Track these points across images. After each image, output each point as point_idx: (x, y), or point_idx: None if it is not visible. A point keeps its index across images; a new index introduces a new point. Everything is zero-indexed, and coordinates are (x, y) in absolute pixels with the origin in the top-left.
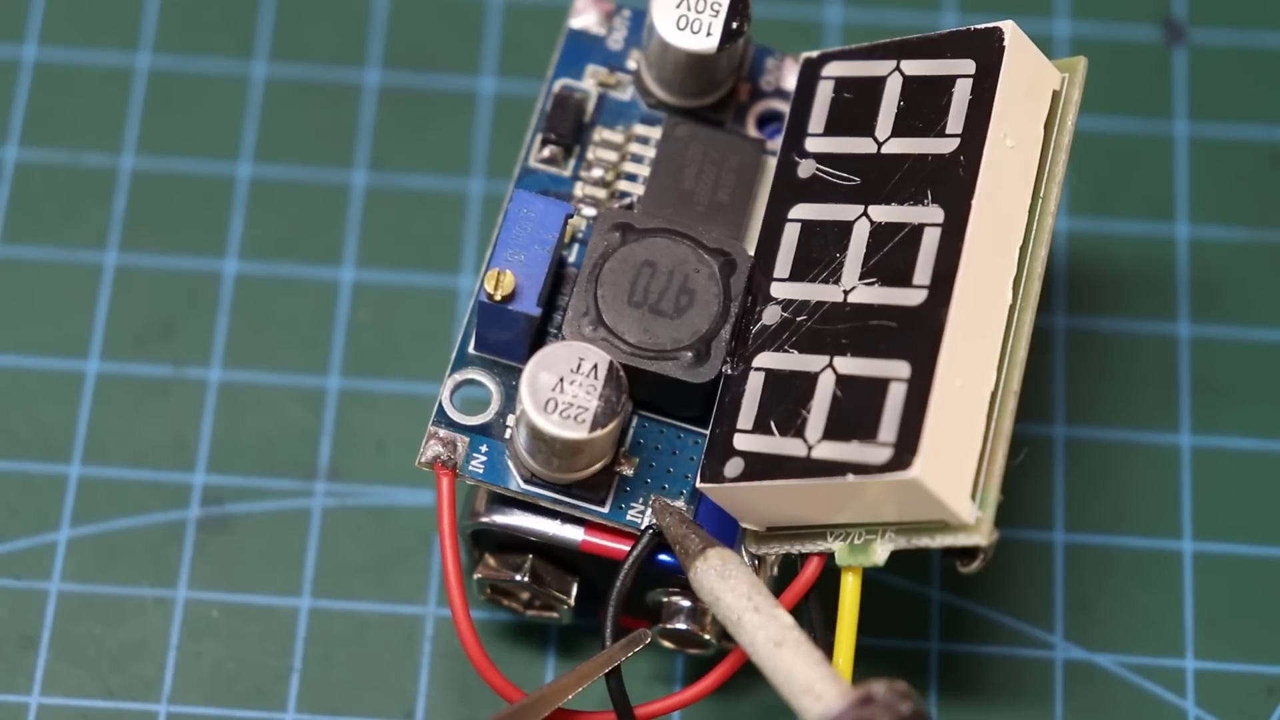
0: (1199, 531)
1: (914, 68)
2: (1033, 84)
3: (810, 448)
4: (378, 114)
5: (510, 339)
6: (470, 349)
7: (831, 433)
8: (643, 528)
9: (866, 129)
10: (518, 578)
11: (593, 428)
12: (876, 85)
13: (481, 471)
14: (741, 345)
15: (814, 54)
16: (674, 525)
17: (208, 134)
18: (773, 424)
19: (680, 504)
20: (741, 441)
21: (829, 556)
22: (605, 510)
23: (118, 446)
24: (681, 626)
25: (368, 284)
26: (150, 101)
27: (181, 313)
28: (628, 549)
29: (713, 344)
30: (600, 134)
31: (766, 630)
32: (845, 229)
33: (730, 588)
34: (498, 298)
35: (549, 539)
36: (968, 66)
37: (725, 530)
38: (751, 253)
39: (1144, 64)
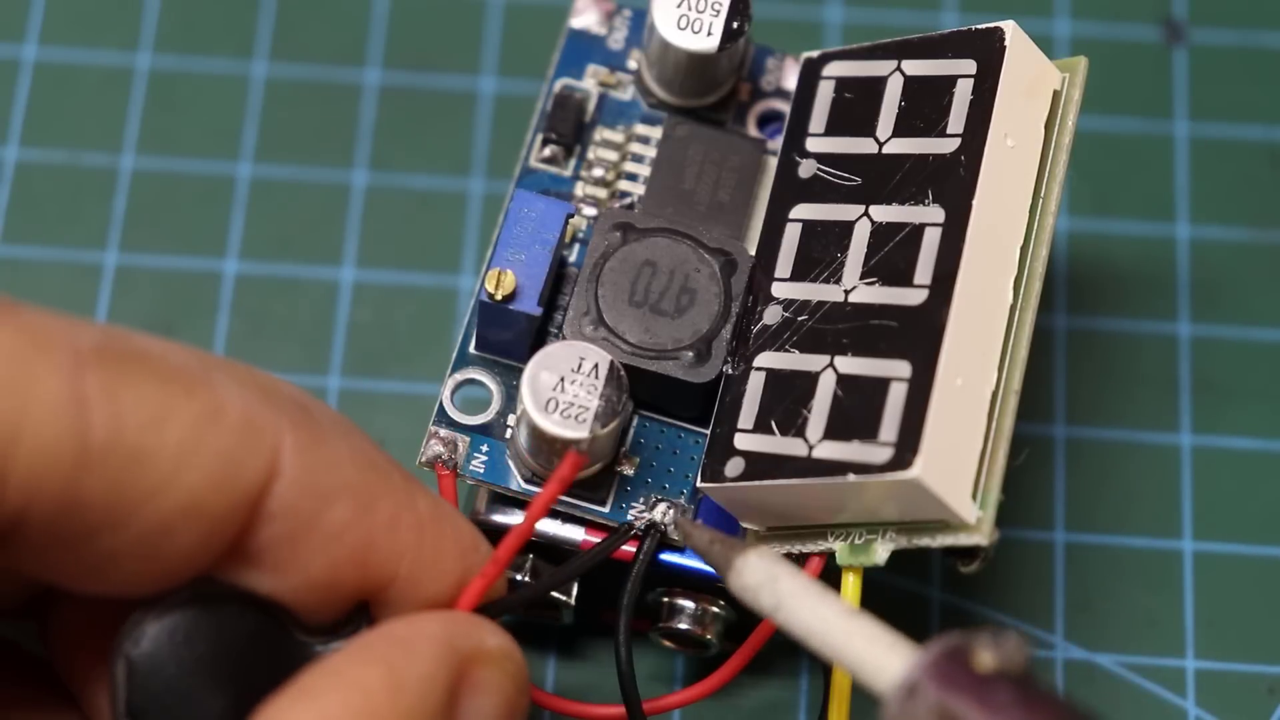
0: (1199, 531)
1: (915, 68)
2: (1033, 84)
3: (811, 447)
4: (378, 114)
5: (511, 339)
6: (471, 349)
7: (832, 432)
8: (643, 527)
9: (867, 129)
10: (518, 578)
11: (593, 427)
12: (877, 85)
13: (482, 471)
14: (742, 345)
15: (814, 54)
16: (702, 532)
17: (208, 134)
18: (773, 423)
19: (688, 514)
20: (742, 441)
21: (829, 556)
22: (605, 510)
23: None
24: (682, 626)
25: (368, 284)
26: (150, 101)
27: (181, 313)
28: (628, 548)
29: (713, 344)
30: (601, 134)
31: (834, 603)
32: (846, 229)
33: (789, 570)
34: (498, 297)
35: (549, 539)
36: (968, 66)
37: (725, 530)
38: (752, 252)
39: (1144, 64)
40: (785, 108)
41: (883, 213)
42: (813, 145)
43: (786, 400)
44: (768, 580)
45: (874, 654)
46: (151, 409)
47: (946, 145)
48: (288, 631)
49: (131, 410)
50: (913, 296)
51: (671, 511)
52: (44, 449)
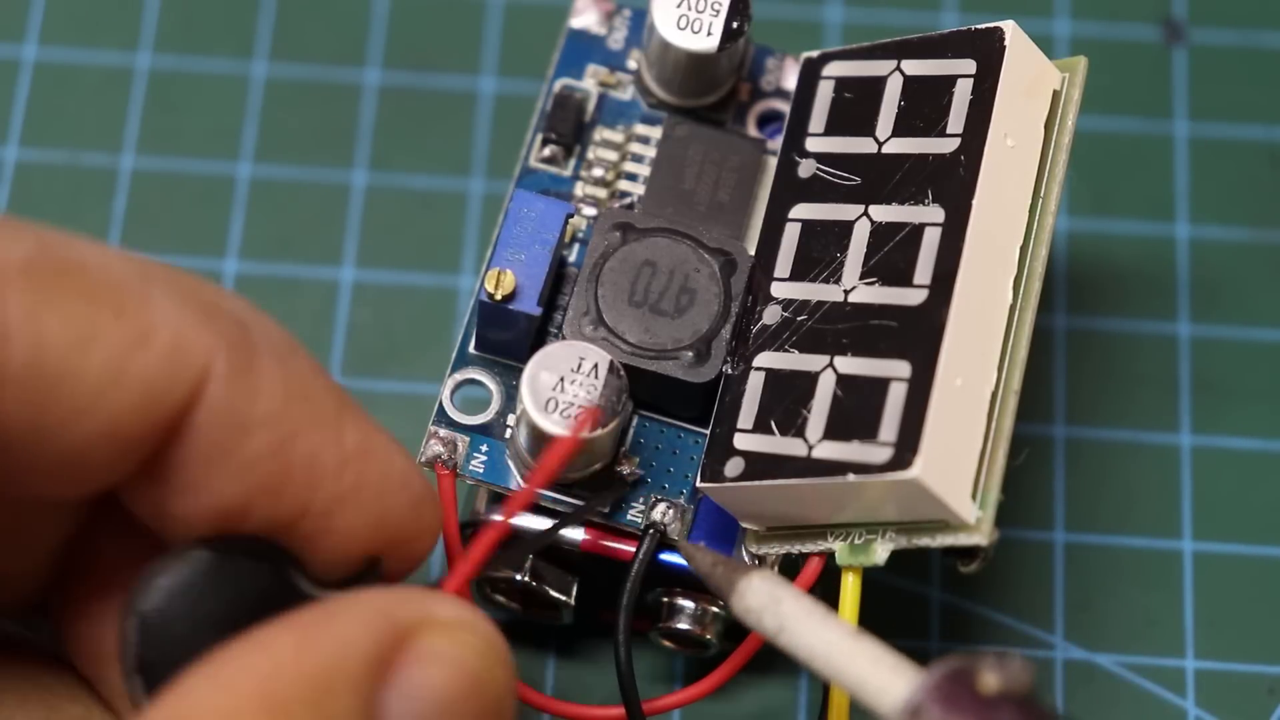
0: (1199, 531)
1: (914, 68)
2: (1033, 84)
3: (811, 447)
4: (378, 114)
5: (510, 339)
6: (470, 349)
7: (832, 432)
8: (643, 526)
9: (867, 129)
10: (518, 578)
11: (593, 428)
12: (877, 85)
13: (482, 471)
14: (742, 345)
15: (814, 54)
16: (705, 555)
17: (208, 134)
18: (773, 423)
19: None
20: (742, 441)
21: (829, 556)
22: (605, 510)
23: None
24: (682, 626)
25: (368, 284)
26: (150, 101)
27: None
28: (628, 548)
29: (713, 343)
30: (600, 134)
31: (838, 626)
32: (846, 229)
33: (793, 592)
34: (498, 297)
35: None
36: (968, 66)
37: (725, 530)
38: (752, 252)
39: (1144, 64)
40: (785, 108)
41: (882, 212)
42: (812, 145)
43: (786, 400)
44: (770, 603)
45: (877, 676)
46: (76, 331)
47: (946, 145)
48: (298, 585)
49: (54, 333)
50: (912, 296)
51: (671, 512)
52: None
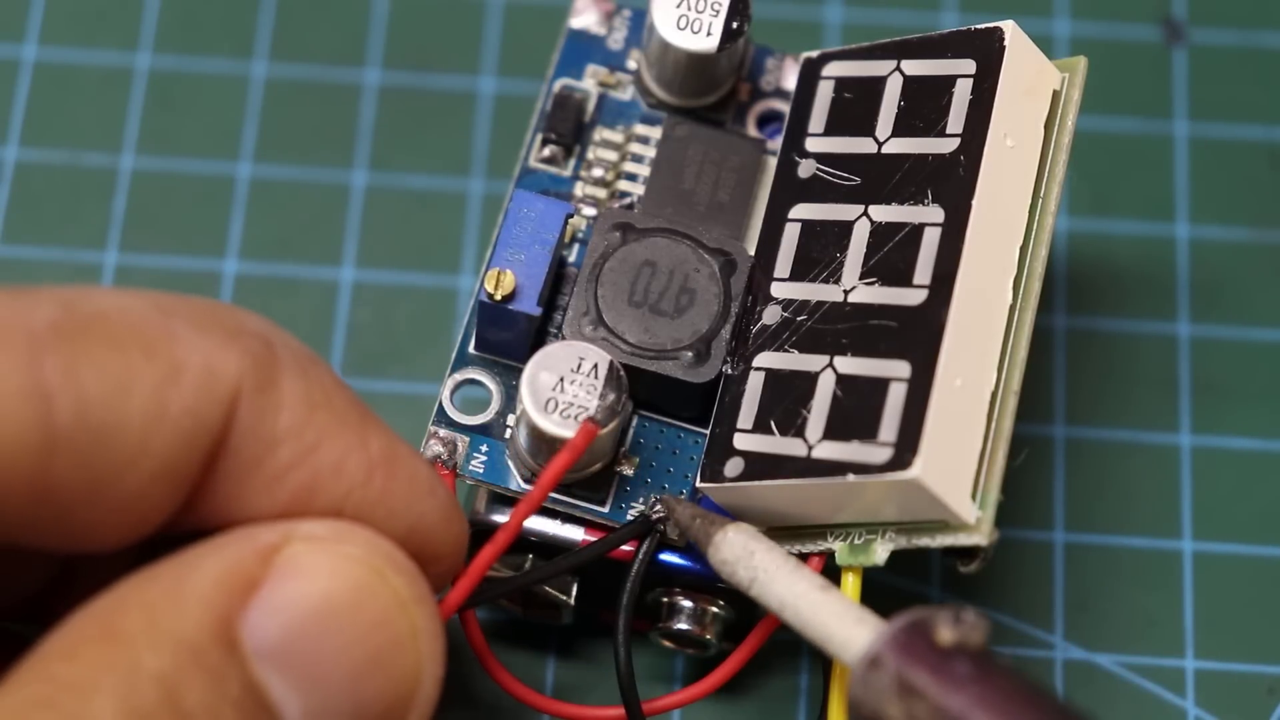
0: (1199, 531)
1: (914, 68)
2: (1033, 84)
3: (810, 447)
4: (378, 114)
5: (510, 339)
6: (470, 349)
7: (832, 432)
8: (641, 524)
9: (867, 129)
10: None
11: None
12: (877, 85)
13: (481, 471)
14: (742, 345)
15: (814, 54)
16: (686, 509)
17: (208, 134)
18: (773, 424)
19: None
20: (741, 441)
21: (829, 556)
22: (605, 510)
23: None
24: (682, 626)
25: (368, 284)
26: (150, 101)
27: None
28: (628, 548)
29: (713, 344)
30: (600, 134)
31: (809, 578)
32: (845, 229)
33: (766, 545)
34: (498, 297)
35: (549, 539)
36: (968, 66)
37: None
38: (752, 252)
39: (1144, 64)
40: (785, 108)
41: (882, 213)
42: (812, 145)
43: (786, 400)
44: (744, 555)
45: (842, 627)
46: (113, 381)
47: (946, 145)
48: None
49: (94, 387)
50: (912, 296)
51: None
52: (9, 444)
